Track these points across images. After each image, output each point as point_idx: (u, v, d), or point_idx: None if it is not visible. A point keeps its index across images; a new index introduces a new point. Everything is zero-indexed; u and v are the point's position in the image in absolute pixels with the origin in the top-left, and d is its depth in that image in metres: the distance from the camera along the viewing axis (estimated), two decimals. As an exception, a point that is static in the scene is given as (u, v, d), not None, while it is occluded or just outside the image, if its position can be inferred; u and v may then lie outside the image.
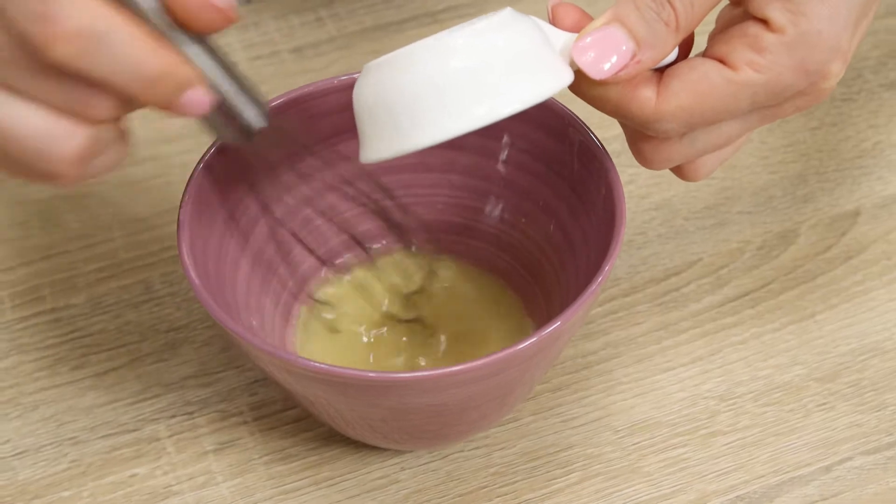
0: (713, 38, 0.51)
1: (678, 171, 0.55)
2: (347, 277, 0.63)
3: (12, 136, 0.46)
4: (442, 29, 0.50)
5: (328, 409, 0.55)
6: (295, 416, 0.62)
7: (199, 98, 0.47)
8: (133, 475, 0.60)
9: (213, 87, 0.49)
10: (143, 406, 0.63)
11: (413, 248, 0.63)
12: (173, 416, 0.62)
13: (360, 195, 0.61)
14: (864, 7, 0.51)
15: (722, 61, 0.49)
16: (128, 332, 0.66)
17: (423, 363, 0.61)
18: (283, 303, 0.61)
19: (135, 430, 0.62)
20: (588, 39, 0.49)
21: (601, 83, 0.49)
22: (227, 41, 0.77)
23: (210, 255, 0.56)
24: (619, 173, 0.56)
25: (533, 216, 0.61)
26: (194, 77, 0.47)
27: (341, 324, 0.62)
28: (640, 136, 0.52)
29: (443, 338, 0.62)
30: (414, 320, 0.62)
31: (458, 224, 0.64)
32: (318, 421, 0.62)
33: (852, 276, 0.67)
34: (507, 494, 0.60)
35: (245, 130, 0.51)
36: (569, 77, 0.49)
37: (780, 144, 0.73)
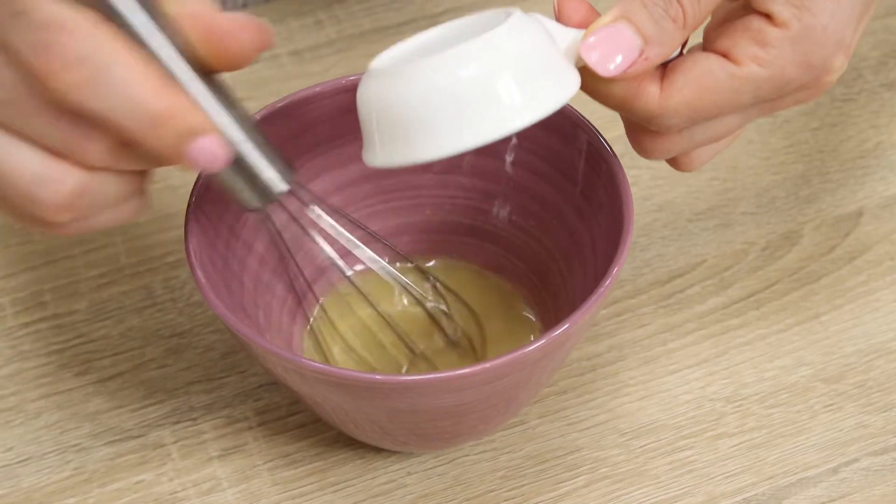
0: (710, 31, 0.51)
1: (673, 162, 0.54)
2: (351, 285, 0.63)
3: (7, 177, 0.45)
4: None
5: (337, 411, 0.55)
6: (300, 422, 0.62)
7: (212, 149, 0.44)
8: (138, 482, 0.60)
9: (231, 143, 0.47)
10: (147, 412, 0.63)
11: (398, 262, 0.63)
12: (177, 422, 0.62)
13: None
14: (866, 2, 0.50)
15: (725, 56, 0.49)
16: (130, 338, 0.65)
17: (430, 364, 0.61)
18: (289, 303, 0.61)
19: (139, 437, 0.62)
20: (595, 37, 0.49)
21: (607, 80, 0.49)
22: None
23: (217, 257, 0.56)
24: (623, 175, 0.56)
25: (540, 218, 0.61)
26: (207, 125, 0.44)
27: (348, 324, 0.62)
28: (641, 128, 0.52)
29: (449, 340, 0.62)
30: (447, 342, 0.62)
31: (465, 225, 0.63)
32: (323, 425, 0.61)
33: (856, 276, 0.67)
34: (514, 498, 0.60)
35: (265, 195, 0.49)
36: (577, 83, 0.49)
37: (782, 145, 0.73)
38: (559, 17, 0.51)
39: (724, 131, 0.52)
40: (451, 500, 0.59)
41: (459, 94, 0.47)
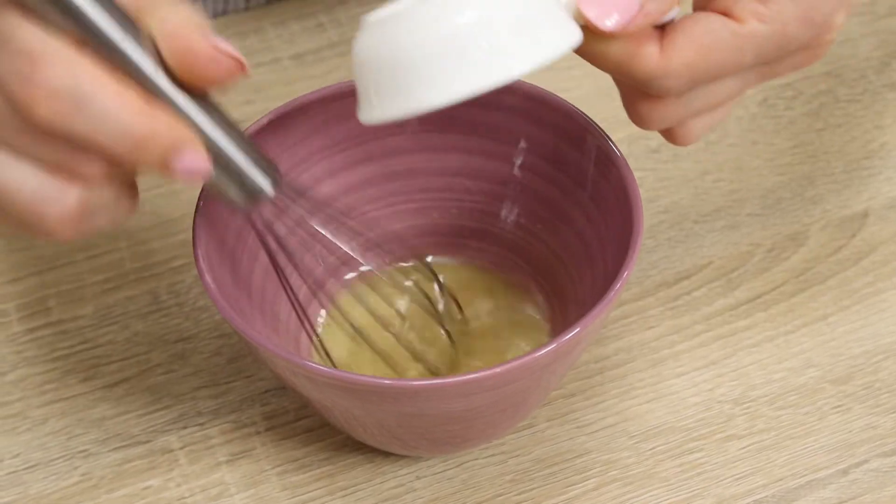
0: None
1: (670, 134, 0.53)
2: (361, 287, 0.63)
3: (7, 194, 0.45)
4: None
5: (346, 415, 0.55)
6: (308, 426, 0.62)
7: (197, 162, 0.45)
8: (146, 487, 0.60)
9: (215, 151, 0.47)
10: (154, 417, 0.62)
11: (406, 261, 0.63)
12: (185, 427, 0.62)
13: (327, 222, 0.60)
14: None
15: (726, 14, 0.49)
16: (136, 343, 0.65)
17: (439, 367, 0.60)
18: (298, 305, 0.61)
19: (146, 442, 0.61)
20: None
21: (605, 38, 0.48)
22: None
23: (225, 261, 0.56)
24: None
25: (548, 221, 0.61)
26: (188, 139, 0.45)
27: (359, 327, 0.61)
28: (637, 94, 0.51)
29: (459, 344, 0.61)
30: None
31: (473, 228, 0.63)
32: (331, 430, 0.61)
33: (863, 277, 0.67)
34: (524, 502, 0.59)
35: (252, 196, 0.50)
36: (578, 35, 0.48)
37: (786, 146, 0.73)
38: None
39: (723, 97, 0.51)
40: (461, 504, 0.60)
41: (457, 39, 0.45)
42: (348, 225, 0.61)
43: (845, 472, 0.60)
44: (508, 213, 0.62)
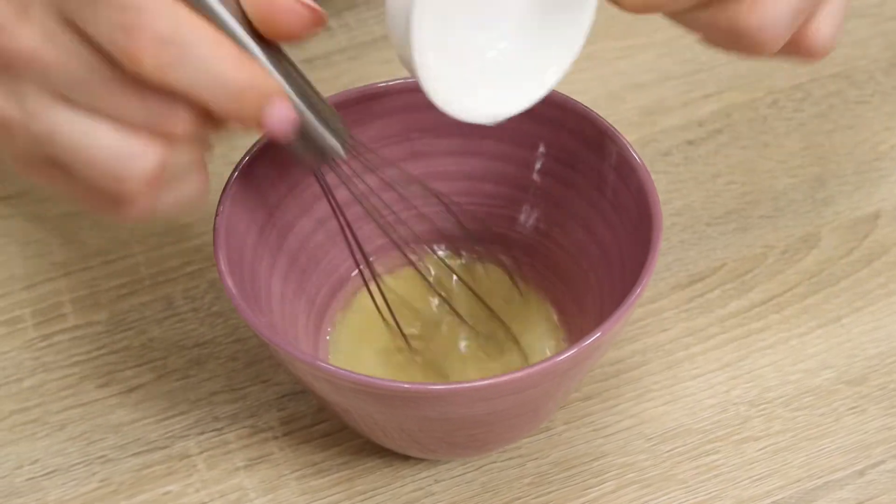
0: None
1: (795, 46, 0.51)
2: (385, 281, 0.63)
3: (82, 155, 0.45)
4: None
5: (366, 419, 0.55)
6: (325, 430, 0.62)
7: (286, 114, 0.46)
8: (166, 493, 0.60)
9: (295, 105, 0.48)
10: (172, 423, 0.62)
11: (462, 258, 0.63)
12: (202, 433, 0.62)
13: (406, 200, 0.60)
14: None
15: None
16: (152, 349, 0.65)
17: (457, 369, 0.61)
18: (316, 308, 0.61)
19: (165, 448, 0.61)
20: None
21: None
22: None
23: (245, 267, 0.56)
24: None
25: (567, 226, 0.61)
26: (278, 92, 0.46)
27: (379, 332, 0.62)
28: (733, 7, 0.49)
29: (476, 345, 0.62)
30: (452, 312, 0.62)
31: (491, 232, 0.63)
32: (349, 434, 0.61)
33: (876, 278, 0.67)
34: (542, 505, 0.60)
35: (324, 153, 0.51)
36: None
37: (797, 148, 0.73)
38: None
39: None
40: (480, 508, 0.60)
41: None
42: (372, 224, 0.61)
43: (862, 472, 0.60)
44: (527, 218, 0.63)
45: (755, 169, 0.72)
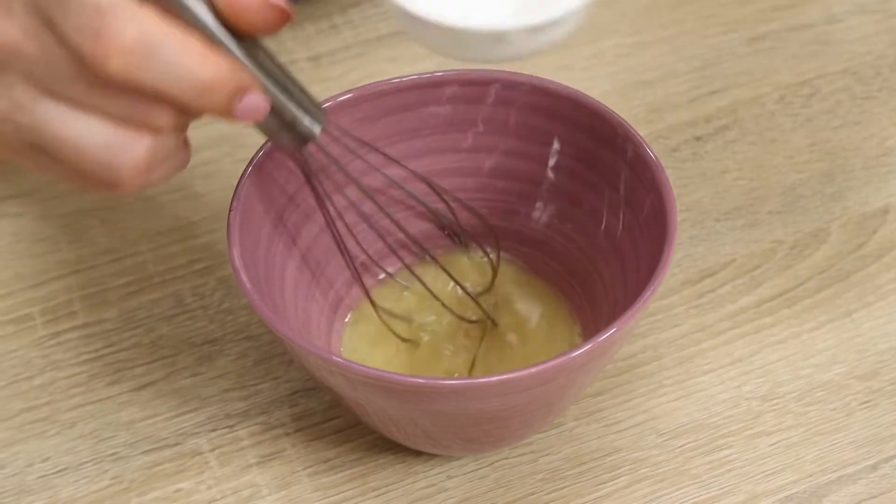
0: None
1: None
2: (398, 281, 0.63)
3: (71, 146, 0.46)
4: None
5: (380, 414, 0.55)
6: (337, 427, 0.62)
7: (256, 103, 0.48)
8: (177, 490, 0.60)
9: (268, 92, 0.49)
10: (183, 420, 0.62)
11: (476, 254, 0.63)
12: (214, 430, 0.62)
13: (412, 198, 0.60)
14: None
15: None
16: (162, 346, 0.65)
17: (471, 366, 0.61)
18: (328, 305, 0.61)
19: (176, 445, 0.61)
20: None
21: None
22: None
23: (259, 263, 0.56)
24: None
25: (581, 222, 0.61)
26: (249, 82, 0.47)
27: (394, 327, 0.61)
28: None
29: (491, 341, 0.61)
30: (476, 321, 0.62)
31: (505, 228, 0.63)
32: (361, 430, 0.61)
33: (886, 273, 0.67)
34: (555, 500, 0.59)
35: (301, 136, 0.52)
36: None
37: (805, 143, 0.73)
38: None
39: None
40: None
41: None
42: (382, 224, 0.61)
43: (874, 467, 0.60)
44: (541, 214, 0.62)
45: (763, 165, 0.72)
